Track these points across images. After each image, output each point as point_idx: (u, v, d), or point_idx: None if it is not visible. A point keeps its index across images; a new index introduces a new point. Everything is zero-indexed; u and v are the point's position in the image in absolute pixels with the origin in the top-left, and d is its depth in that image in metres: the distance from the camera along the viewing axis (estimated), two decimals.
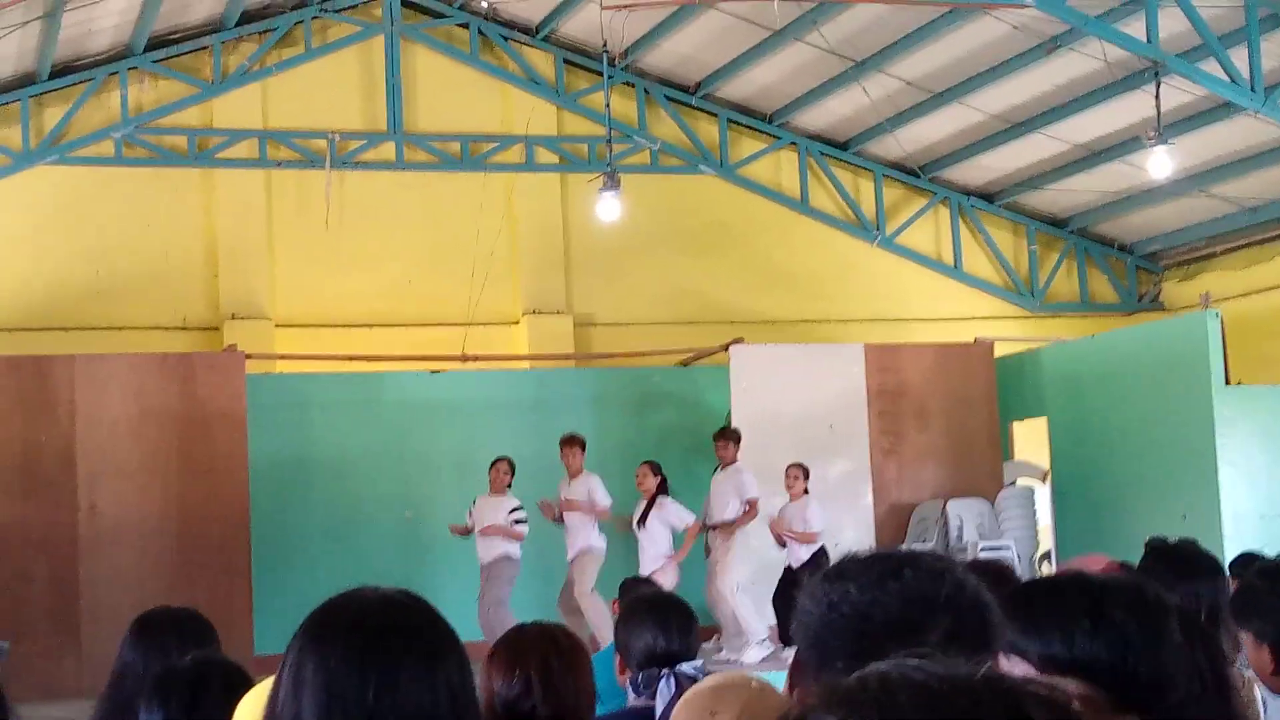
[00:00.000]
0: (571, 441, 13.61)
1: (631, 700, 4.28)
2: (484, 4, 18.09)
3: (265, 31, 17.69)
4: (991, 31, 15.71)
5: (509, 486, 13.53)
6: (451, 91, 18.31)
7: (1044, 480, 16.25)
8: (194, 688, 3.34)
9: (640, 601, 4.59)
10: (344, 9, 17.98)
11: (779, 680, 3.89)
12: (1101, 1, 14.15)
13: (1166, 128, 15.27)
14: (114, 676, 3.97)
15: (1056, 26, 15.06)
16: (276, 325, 17.34)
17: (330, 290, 17.61)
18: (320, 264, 17.62)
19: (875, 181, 19.40)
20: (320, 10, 17.80)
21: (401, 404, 15.53)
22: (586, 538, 13.28)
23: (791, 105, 18.58)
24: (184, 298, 17.36)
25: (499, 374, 16.45)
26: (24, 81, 16.83)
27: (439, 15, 18.35)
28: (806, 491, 13.50)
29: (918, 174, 19.22)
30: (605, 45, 16.09)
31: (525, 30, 18.49)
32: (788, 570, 13.32)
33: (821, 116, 18.79)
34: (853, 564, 2.05)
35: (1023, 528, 15.37)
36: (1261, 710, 3.83)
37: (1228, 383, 13.89)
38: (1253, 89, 14.17)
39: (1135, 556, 4.92)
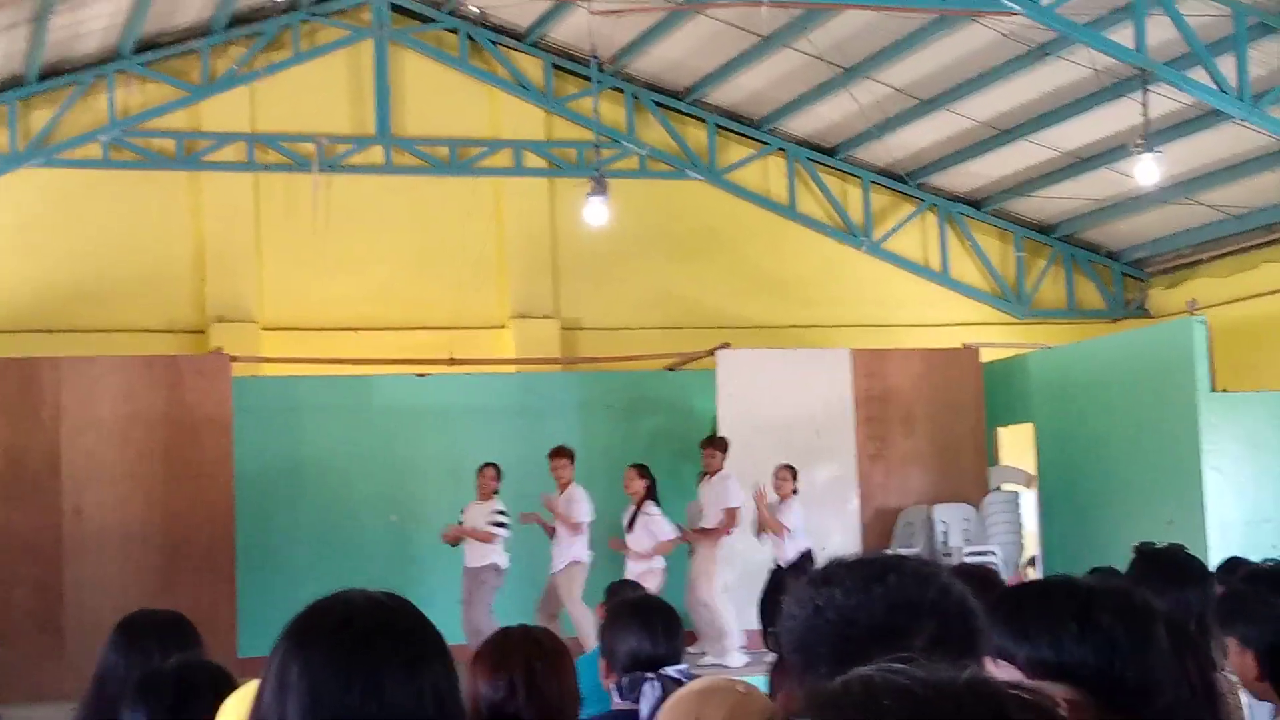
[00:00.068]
0: (559, 454, 13.58)
1: (616, 704, 4.28)
2: (473, 9, 18.09)
3: (253, 35, 17.67)
4: (980, 39, 15.74)
5: (496, 492, 13.52)
6: (440, 96, 18.31)
7: (1030, 486, 16.28)
8: (178, 691, 3.33)
9: (625, 605, 4.58)
10: (333, 13, 17.97)
11: (765, 684, 3.89)
12: (1090, 9, 14.18)
13: (1154, 135, 15.31)
14: (96, 679, 3.96)
15: (1045, 34, 15.09)
16: (263, 328, 17.32)
17: (317, 294, 17.59)
18: (307, 267, 17.60)
19: (863, 188, 19.42)
20: (309, 14, 17.79)
21: (388, 408, 15.51)
22: (576, 549, 13.26)
23: (780, 111, 18.60)
24: (171, 300, 17.33)
25: (486, 378, 16.43)
26: (11, 84, 16.79)
27: (428, 20, 18.35)
28: (795, 492, 13.55)
29: (905, 180, 19.25)
30: (594, 50, 16.11)
31: (514, 35, 18.49)
32: (775, 571, 13.37)
33: (810, 122, 18.81)
34: (838, 568, 2.05)
35: (1008, 533, 15.39)
36: (1248, 716, 3.84)
37: (1213, 389, 13.92)
38: (1240, 97, 14.20)
39: (1120, 562, 4.93)
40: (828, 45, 16.32)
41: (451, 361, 16.00)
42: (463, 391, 15.84)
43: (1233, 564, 6.26)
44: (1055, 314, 19.86)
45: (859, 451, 15.48)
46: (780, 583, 12.97)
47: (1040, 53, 15.63)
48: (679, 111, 18.93)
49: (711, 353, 15.60)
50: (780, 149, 19.19)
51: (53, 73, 16.97)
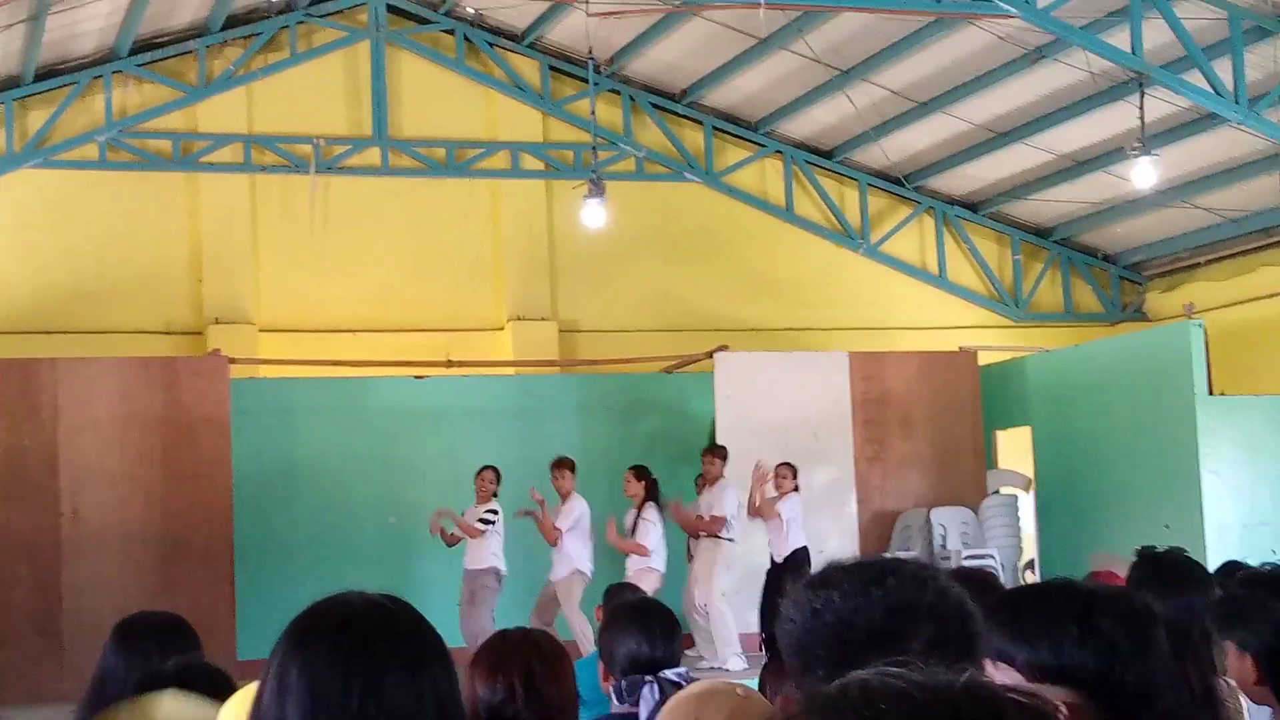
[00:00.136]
0: (561, 464, 13.56)
1: (615, 707, 4.28)
2: (470, 10, 18.10)
3: (250, 36, 17.67)
4: (977, 41, 15.75)
5: (494, 495, 13.52)
6: (437, 97, 18.31)
7: (1027, 489, 16.28)
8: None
9: (624, 608, 4.58)
10: (329, 14, 17.97)
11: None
12: (1086, 12, 14.19)
13: (1150, 138, 15.33)
14: (95, 681, 3.96)
15: (1041, 37, 15.10)
16: (261, 330, 17.31)
17: (315, 295, 17.58)
18: (305, 269, 17.60)
19: (860, 190, 19.43)
20: (306, 15, 17.79)
21: (386, 410, 15.50)
22: (579, 560, 13.24)
23: (777, 113, 18.61)
24: (168, 302, 17.32)
25: (483, 380, 16.42)
26: (8, 84, 16.79)
27: (425, 21, 18.35)
28: (796, 490, 13.57)
29: (903, 183, 19.25)
30: (591, 52, 16.11)
31: (511, 37, 18.49)
32: (771, 569, 13.42)
33: (807, 125, 18.82)
34: (836, 571, 2.05)
35: (1006, 536, 15.39)
36: None
37: (1211, 393, 13.94)
38: (1236, 100, 14.22)
39: (1117, 566, 4.93)
40: (824, 48, 16.32)
41: (449, 363, 15.99)
42: (460, 393, 15.84)
43: (1230, 567, 6.25)
44: (1052, 317, 19.87)
45: (856, 454, 15.48)
46: (778, 580, 13.00)
47: (1036, 55, 15.64)
48: (676, 114, 18.94)
49: (709, 355, 15.61)
50: (777, 151, 19.20)
51: (49, 73, 16.97)
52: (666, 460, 15.06)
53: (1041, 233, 19.90)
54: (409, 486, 15.16)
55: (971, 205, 19.66)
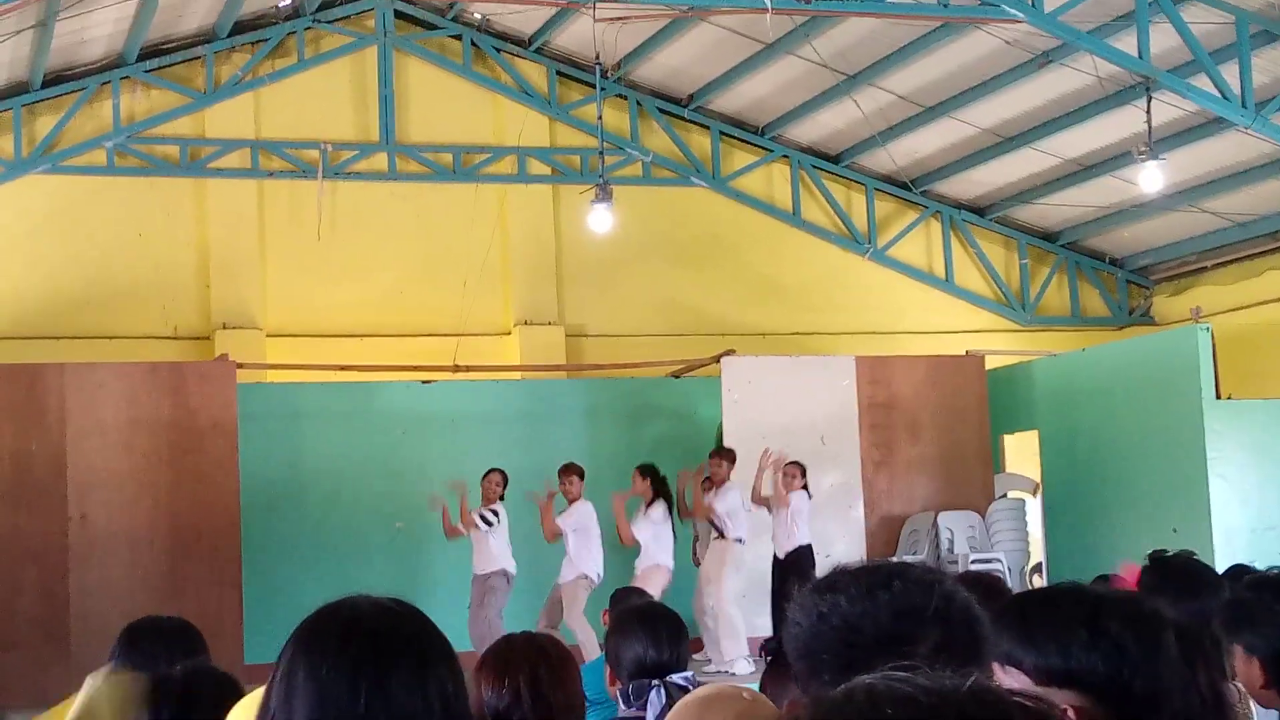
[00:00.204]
0: (569, 470, 13.58)
1: (622, 711, 4.28)
2: (477, 16, 18.11)
3: (258, 42, 17.69)
4: (984, 46, 15.74)
5: (501, 499, 13.53)
6: (444, 103, 18.32)
7: (1035, 493, 16.27)
8: (184, 698, 3.34)
9: (630, 612, 4.58)
10: (337, 20, 17.99)
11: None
12: (1093, 17, 14.19)
13: (1157, 143, 15.32)
14: None
15: (1048, 41, 15.09)
16: (268, 335, 17.33)
17: (322, 300, 17.60)
18: (312, 274, 17.61)
19: (867, 195, 19.43)
20: (313, 21, 17.80)
21: (392, 414, 15.52)
22: (586, 564, 13.24)
23: (783, 118, 18.61)
24: (175, 307, 17.35)
25: (490, 385, 16.43)
26: (16, 90, 16.82)
27: (432, 26, 18.36)
28: (804, 489, 13.60)
29: (909, 187, 19.25)
30: (598, 57, 16.10)
31: (518, 42, 18.51)
32: (775, 566, 13.50)
33: (813, 129, 18.82)
34: (843, 576, 2.06)
35: (1013, 540, 15.38)
36: None
37: (1218, 397, 13.92)
38: (1243, 105, 14.21)
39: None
40: (831, 52, 16.32)
41: (456, 368, 16.00)
42: (467, 398, 15.85)
43: (1238, 571, 6.25)
44: (1059, 321, 19.86)
45: (864, 458, 15.48)
46: (783, 580, 13.06)
47: (1043, 60, 15.63)
48: (683, 118, 18.94)
49: (716, 359, 15.61)
50: (784, 156, 19.20)
51: (58, 79, 17.00)
52: (673, 464, 15.03)
53: (1048, 237, 19.89)
54: (416, 491, 15.14)
55: (978, 210, 19.65)
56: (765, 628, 13.50)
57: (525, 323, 18.08)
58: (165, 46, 17.33)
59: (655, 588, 12.95)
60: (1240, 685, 3.81)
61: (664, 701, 4.08)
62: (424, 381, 15.79)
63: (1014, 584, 13.58)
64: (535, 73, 18.59)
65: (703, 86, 18.38)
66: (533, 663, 3.70)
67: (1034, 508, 16.12)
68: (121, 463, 13.75)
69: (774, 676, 3.38)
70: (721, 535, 13.56)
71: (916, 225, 19.54)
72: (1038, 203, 18.96)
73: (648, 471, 13.50)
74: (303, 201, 17.69)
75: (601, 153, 16.75)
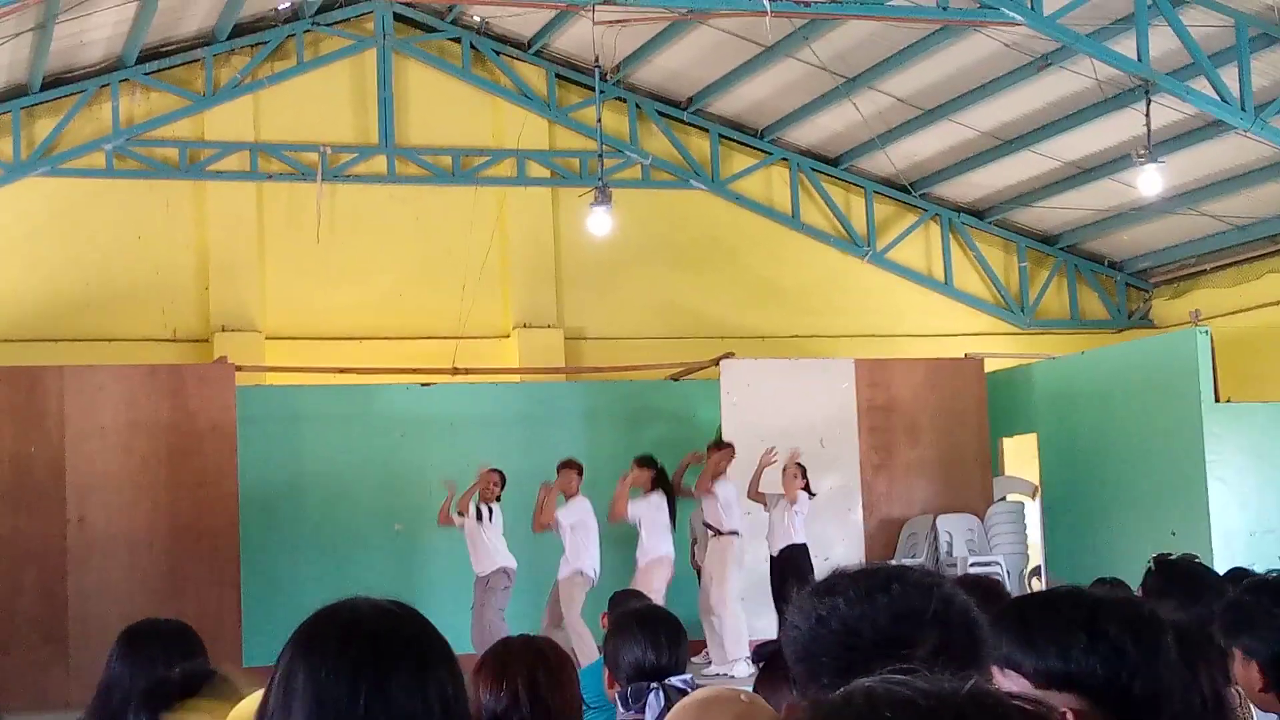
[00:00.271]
0: (568, 466, 13.61)
1: (620, 714, 4.28)
2: (476, 18, 18.12)
3: (257, 44, 17.69)
4: (983, 49, 15.75)
5: (498, 499, 13.54)
6: (443, 105, 18.33)
7: (1034, 496, 16.26)
8: (182, 700, 3.33)
9: (629, 615, 4.58)
10: (336, 23, 17.99)
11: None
12: (1093, 20, 14.19)
13: (1157, 146, 15.31)
14: (101, 688, 3.96)
15: (1048, 44, 15.10)
16: (267, 338, 17.33)
17: (321, 303, 17.60)
18: (311, 277, 17.61)
19: (866, 197, 19.43)
20: (313, 24, 17.80)
21: (392, 417, 15.51)
22: (578, 559, 13.25)
23: (783, 121, 18.62)
24: (174, 309, 17.35)
25: (490, 388, 16.42)
26: (15, 93, 16.82)
27: (431, 29, 18.37)
28: (805, 488, 13.63)
29: (909, 190, 19.25)
30: (597, 60, 16.11)
31: (517, 45, 18.51)
32: (771, 563, 13.59)
33: (813, 132, 18.82)
34: (841, 579, 2.06)
35: (1012, 543, 15.38)
36: None
37: (1217, 400, 13.92)
38: (1243, 108, 14.21)
39: (1123, 572, 4.93)
40: (830, 55, 16.33)
41: (455, 371, 16.00)
42: (466, 401, 15.84)
43: (1237, 574, 6.25)
44: (1058, 324, 19.85)
45: (863, 461, 15.48)
46: (782, 581, 13.10)
47: (1043, 63, 15.63)
48: (682, 121, 18.95)
49: (715, 362, 15.60)
50: (783, 159, 19.20)
51: (57, 82, 17.00)
52: (672, 468, 15.06)
53: (1048, 240, 19.89)
54: (415, 494, 15.16)
55: (978, 212, 19.65)
56: (765, 629, 13.50)
57: (524, 325, 18.08)
58: (164, 49, 17.34)
59: (660, 580, 13.03)
60: (1239, 688, 3.81)
61: (662, 704, 4.08)
62: (423, 384, 15.79)
63: (1012, 587, 13.59)
64: (534, 75, 18.60)
65: (702, 89, 18.38)
66: (531, 666, 3.70)
67: (1033, 511, 16.11)
68: (120, 465, 13.75)
69: (766, 681, 3.38)
70: (718, 533, 13.59)
71: (916, 228, 19.54)
72: (1037, 205, 18.96)
73: (646, 462, 13.55)
74: (302, 204, 17.69)
75: (601, 155, 16.75)
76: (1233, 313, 17.68)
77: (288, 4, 17.10)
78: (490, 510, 13.40)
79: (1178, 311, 18.72)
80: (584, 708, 3.94)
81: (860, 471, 15.45)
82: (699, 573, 14.28)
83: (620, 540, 13.84)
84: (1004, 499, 15.89)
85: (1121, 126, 16.17)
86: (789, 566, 13.15)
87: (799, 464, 13.81)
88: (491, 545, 13.33)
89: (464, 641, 12.43)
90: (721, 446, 13.95)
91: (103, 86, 17.18)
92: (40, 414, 13.68)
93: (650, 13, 15.33)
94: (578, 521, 13.29)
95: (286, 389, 15.80)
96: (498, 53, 18.45)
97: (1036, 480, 16.24)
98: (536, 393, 16.62)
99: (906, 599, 2.00)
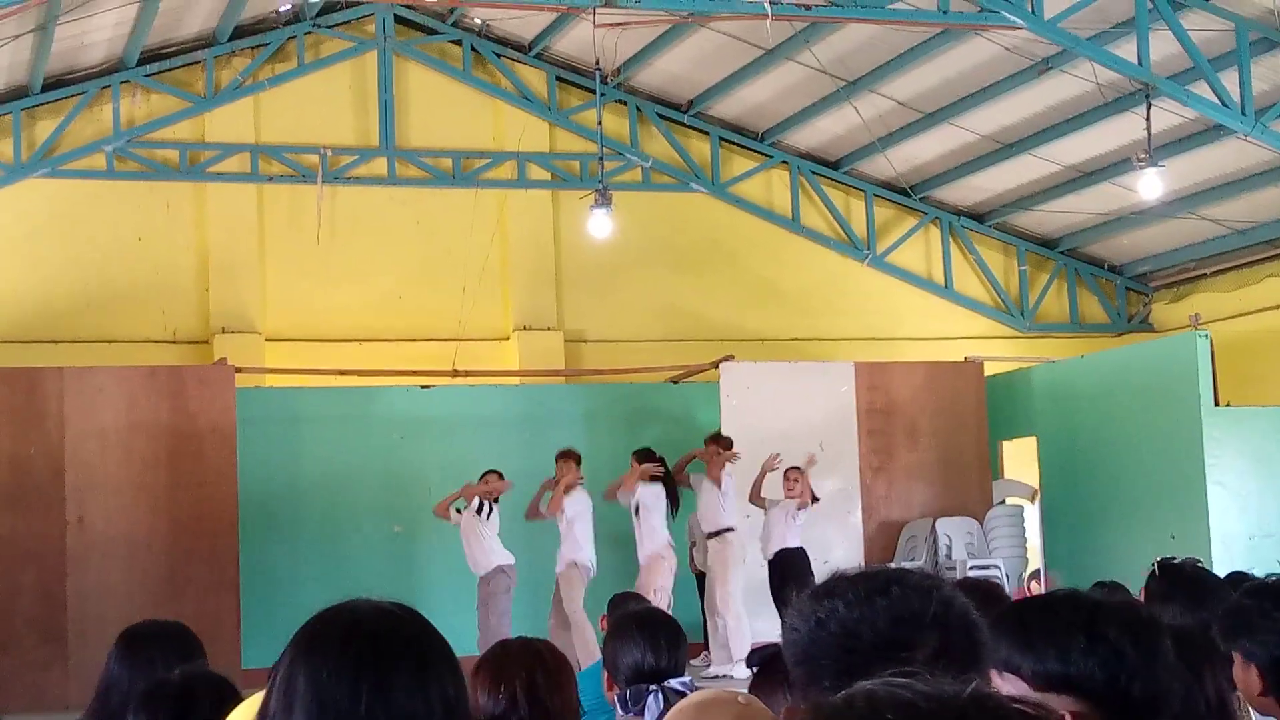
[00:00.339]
0: (566, 456, 13.66)
1: (620, 717, 4.28)
2: (477, 21, 18.12)
3: (258, 46, 17.70)
4: (983, 53, 15.75)
5: (496, 501, 13.55)
6: (444, 108, 18.33)
7: (1033, 499, 16.26)
8: (181, 702, 3.33)
9: (628, 618, 4.58)
10: (337, 25, 17.99)
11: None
12: (1093, 24, 14.19)
13: (1157, 150, 15.32)
14: (100, 690, 3.96)
15: (1048, 48, 15.10)
16: (267, 339, 17.33)
17: (321, 305, 17.60)
18: (311, 278, 17.62)
19: (866, 201, 19.43)
20: (313, 26, 17.81)
21: (392, 419, 15.51)
22: (575, 551, 13.28)
23: (783, 124, 18.62)
24: (174, 311, 17.35)
25: (489, 390, 16.43)
26: (16, 94, 16.83)
27: (432, 32, 18.37)
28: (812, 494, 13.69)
29: (909, 193, 19.25)
30: (598, 63, 16.12)
31: (518, 47, 18.52)
32: (770, 566, 13.60)
33: (813, 136, 18.83)
34: (841, 581, 2.06)
35: (1011, 547, 15.37)
36: None
37: (1217, 404, 13.92)
38: (1243, 112, 14.21)
39: (1123, 575, 4.93)
40: (830, 58, 16.33)
41: (455, 373, 16.00)
42: (466, 403, 15.84)
43: (1236, 579, 6.25)
44: (1058, 328, 19.85)
45: (862, 464, 15.47)
46: (782, 579, 13.11)
47: (1043, 67, 15.64)
48: (682, 124, 18.95)
49: (715, 365, 15.60)
50: (783, 162, 19.21)
51: (57, 83, 17.00)
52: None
53: (1048, 243, 19.89)
54: (415, 496, 15.15)
55: (978, 216, 19.66)
56: (765, 631, 13.50)
57: (524, 328, 18.08)
58: (165, 51, 17.34)
59: (666, 576, 13.04)
60: (1239, 693, 3.81)
61: (661, 707, 4.09)
62: (423, 386, 15.79)
63: (1012, 591, 13.59)
64: (535, 78, 18.60)
65: (702, 92, 18.39)
66: (529, 668, 3.70)
67: (1032, 514, 16.11)
68: (120, 466, 13.74)
69: (762, 685, 3.38)
70: (717, 532, 13.61)
71: (915, 231, 19.54)
72: (1037, 209, 18.96)
73: (645, 456, 13.58)
74: (302, 206, 17.69)
75: (601, 158, 16.76)
76: (1233, 317, 17.68)
77: (289, 6, 17.10)
78: (490, 507, 13.42)
79: (1178, 315, 18.72)
80: (582, 710, 3.94)
81: (860, 474, 15.45)
82: (698, 576, 14.30)
83: (620, 540, 13.84)
84: (1003, 502, 15.89)
85: (1122, 130, 16.17)
86: (788, 569, 13.16)
87: (799, 468, 13.80)
88: (488, 542, 13.34)
89: (465, 642, 12.39)
90: (719, 439, 13.97)
91: (103, 88, 17.19)
92: (40, 415, 13.68)
93: (651, 16, 15.34)
94: (577, 514, 13.33)
95: (286, 390, 15.80)
96: (498, 55, 18.45)
97: (1036, 483, 16.24)
98: (536, 395, 16.63)
99: (906, 602, 2.00)
